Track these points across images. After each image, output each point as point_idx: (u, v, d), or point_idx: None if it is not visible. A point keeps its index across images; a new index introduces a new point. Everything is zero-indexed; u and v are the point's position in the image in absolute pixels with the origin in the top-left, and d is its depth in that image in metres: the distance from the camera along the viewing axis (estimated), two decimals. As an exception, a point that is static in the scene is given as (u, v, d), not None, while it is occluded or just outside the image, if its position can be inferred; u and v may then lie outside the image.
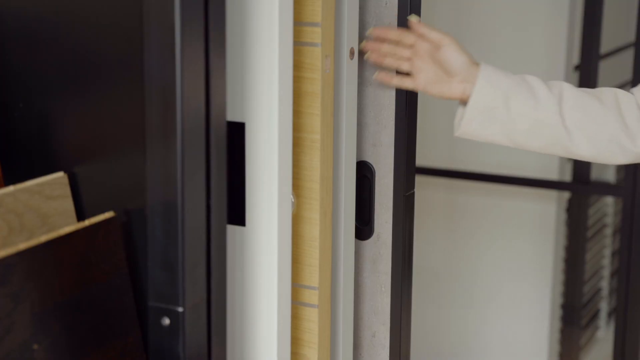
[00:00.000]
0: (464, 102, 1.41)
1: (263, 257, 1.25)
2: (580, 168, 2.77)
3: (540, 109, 1.38)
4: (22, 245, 1.03)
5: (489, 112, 1.38)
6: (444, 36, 1.39)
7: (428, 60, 1.40)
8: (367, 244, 1.51)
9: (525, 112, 1.38)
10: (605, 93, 1.41)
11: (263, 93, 1.21)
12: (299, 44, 1.29)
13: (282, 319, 1.26)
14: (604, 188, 3.20)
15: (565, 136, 1.38)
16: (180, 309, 1.08)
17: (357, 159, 1.48)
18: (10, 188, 1.10)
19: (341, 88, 1.39)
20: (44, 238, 1.05)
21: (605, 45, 2.97)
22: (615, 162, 1.42)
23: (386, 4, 1.44)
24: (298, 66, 1.30)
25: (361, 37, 1.44)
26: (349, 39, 1.38)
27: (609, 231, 3.45)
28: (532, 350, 3.03)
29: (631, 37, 3.00)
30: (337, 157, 1.41)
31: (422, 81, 1.41)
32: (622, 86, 3.27)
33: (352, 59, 1.39)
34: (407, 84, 1.42)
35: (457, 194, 2.99)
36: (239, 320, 1.27)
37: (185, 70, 1.04)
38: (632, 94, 1.41)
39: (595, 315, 3.40)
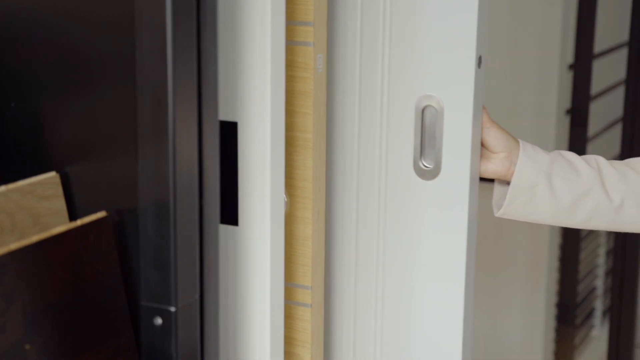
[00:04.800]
0: (502, 181, 1.42)
1: (256, 257, 1.24)
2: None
3: (582, 183, 1.38)
4: (14, 245, 1.03)
5: (531, 190, 1.37)
6: (486, 119, 1.38)
7: None
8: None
9: (568, 187, 1.37)
10: (634, 162, 1.42)
11: (255, 92, 1.21)
12: (291, 43, 1.29)
13: (275, 318, 1.26)
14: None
15: (610, 208, 1.38)
16: (172, 309, 1.08)
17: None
18: (2, 188, 1.10)
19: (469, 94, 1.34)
20: (35, 238, 1.05)
21: (599, 44, 2.97)
22: None
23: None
24: (290, 65, 1.30)
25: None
26: (479, 46, 1.34)
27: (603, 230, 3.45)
28: (526, 348, 3.04)
29: (625, 36, 3.01)
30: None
31: None
32: (616, 85, 3.28)
33: (479, 67, 1.34)
34: None
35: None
36: (231, 320, 1.26)
37: (176, 69, 1.03)
38: None
39: (589, 314, 3.40)
